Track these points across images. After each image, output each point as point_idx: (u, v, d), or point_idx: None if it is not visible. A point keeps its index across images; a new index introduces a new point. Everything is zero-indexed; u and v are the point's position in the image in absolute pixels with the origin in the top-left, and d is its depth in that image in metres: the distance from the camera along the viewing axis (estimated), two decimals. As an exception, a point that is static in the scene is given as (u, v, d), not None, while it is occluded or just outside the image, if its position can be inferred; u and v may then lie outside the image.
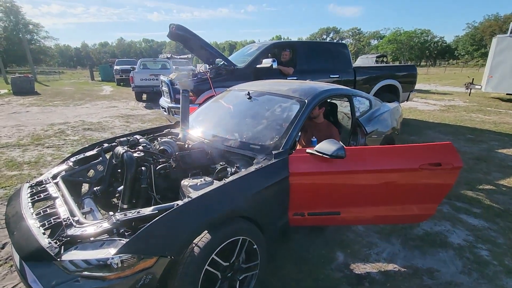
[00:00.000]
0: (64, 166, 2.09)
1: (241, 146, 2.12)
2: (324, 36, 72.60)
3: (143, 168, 1.79)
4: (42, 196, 1.73)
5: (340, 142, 2.88)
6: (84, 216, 1.58)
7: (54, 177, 1.95)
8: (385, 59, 17.62)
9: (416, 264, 2.10)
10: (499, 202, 2.94)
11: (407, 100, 6.50)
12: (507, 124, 6.46)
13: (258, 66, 4.60)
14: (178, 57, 14.27)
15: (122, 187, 1.80)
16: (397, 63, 47.00)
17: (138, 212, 1.43)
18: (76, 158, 2.15)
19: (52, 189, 1.77)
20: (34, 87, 13.35)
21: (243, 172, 1.79)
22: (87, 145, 2.45)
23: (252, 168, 1.82)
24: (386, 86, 5.90)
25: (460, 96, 11.23)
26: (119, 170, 1.90)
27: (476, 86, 10.89)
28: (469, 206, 2.86)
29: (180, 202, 1.47)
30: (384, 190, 2.01)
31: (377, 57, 16.62)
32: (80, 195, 2.11)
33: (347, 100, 2.87)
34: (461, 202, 2.93)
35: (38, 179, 1.94)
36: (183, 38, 4.50)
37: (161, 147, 2.02)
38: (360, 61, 16.00)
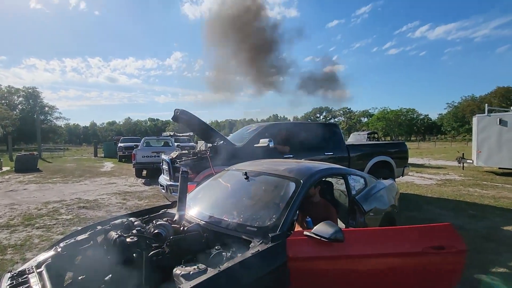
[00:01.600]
0: (51, 252, 1.99)
1: (237, 228, 2.08)
2: (318, 115, 78.22)
3: (134, 254, 1.71)
4: (22, 289, 1.60)
5: (338, 222, 2.85)
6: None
7: (39, 265, 1.84)
8: (376, 135, 18.66)
9: None
10: (518, 288, 2.70)
11: (402, 175, 6.62)
12: (506, 198, 6.42)
13: (256, 145, 4.86)
14: (181, 135, 15.00)
15: (109, 276, 1.69)
16: (388, 139, 49.45)
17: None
18: (66, 242, 2.07)
19: (33, 280, 1.65)
20: (37, 164, 13.63)
21: (239, 258, 1.71)
22: (79, 228, 2.39)
23: (248, 253, 1.74)
24: (380, 162, 6.10)
25: (454, 170, 11.45)
26: (108, 257, 1.81)
27: (468, 161, 11.23)
28: (487, 293, 2.61)
29: (171, 296, 1.37)
30: (389, 277, 1.88)
31: (368, 134, 17.64)
32: (63, 285, 1.95)
33: (342, 178, 2.94)
34: (478, 289, 2.68)
35: (21, 268, 1.83)
36: (186, 121, 4.88)
37: (156, 231, 1.97)
38: (353, 138, 16.86)
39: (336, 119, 76.76)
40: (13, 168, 12.83)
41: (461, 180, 9.04)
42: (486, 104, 10.77)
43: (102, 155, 22.41)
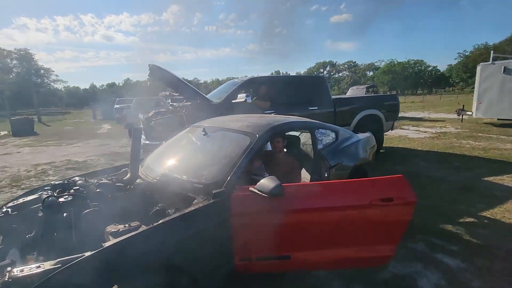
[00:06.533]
0: None
1: (185, 185, 2.02)
2: (321, 70, 75.33)
3: (65, 214, 1.68)
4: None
5: (300, 176, 2.79)
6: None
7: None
8: (375, 89, 17.97)
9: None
10: (479, 237, 2.70)
11: (391, 129, 6.44)
12: (497, 149, 6.29)
13: (233, 101, 4.65)
14: (177, 94, 14.65)
15: (30, 234, 1.68)
16: (394, 93, 48.10)
17: (39, 266, 1.30)
18: (14, 203, 2.05)
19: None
20: (34, 127, 13.68)
21: (175, 214, 1.67)
22: (30, 190, 2.37)
23: (186, 210, 1.70)
24: (368, 116, 5.88)
25: (453, 123, 11.17)
26: (39, 215, 1.79)
27: (468, 113, 10.88)
28: (447, 243, 2.62)
29: (88, 253, 1.34)
30: (333, 231, 1.85)
31: (367, 87, 16.96)
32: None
33: (308, 132, 2.80)
34: (439, 239, 2.69)
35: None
36: (161, 77, 4.61)
37: (97, 190, 1.93)
38: (351, 92, 16.34)
39: (340, 74, 74.10)
40: (11, 132, 12.95)
41: (456, 133, 8.85)
42: (492, 51, 10.04)
43: (101, 117, 22.34)
